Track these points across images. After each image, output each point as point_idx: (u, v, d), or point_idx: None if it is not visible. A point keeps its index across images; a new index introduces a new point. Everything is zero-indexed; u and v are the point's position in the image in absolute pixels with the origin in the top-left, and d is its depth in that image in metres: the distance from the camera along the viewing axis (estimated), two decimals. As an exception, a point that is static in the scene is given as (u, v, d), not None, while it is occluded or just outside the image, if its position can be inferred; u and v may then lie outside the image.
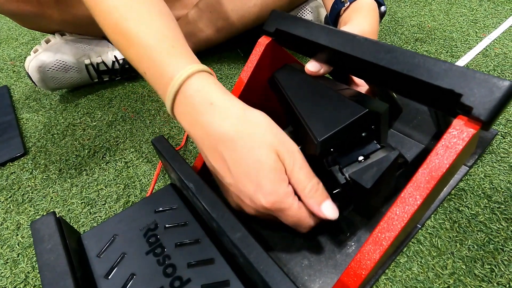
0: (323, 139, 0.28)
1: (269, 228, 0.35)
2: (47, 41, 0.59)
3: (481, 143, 0.39)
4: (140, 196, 0.42)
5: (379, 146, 0.29)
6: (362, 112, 0.27)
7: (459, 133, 0.21)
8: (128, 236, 0.29)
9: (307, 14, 0.67)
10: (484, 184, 0.39)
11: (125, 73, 0.65)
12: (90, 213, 0.41)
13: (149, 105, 0.59)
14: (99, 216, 0.40)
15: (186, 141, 0.50)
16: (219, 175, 0.30)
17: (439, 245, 0.33)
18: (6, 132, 0.55)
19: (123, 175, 0.45)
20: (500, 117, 0.48)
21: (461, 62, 0.62)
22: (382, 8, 0.42)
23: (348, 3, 0.40)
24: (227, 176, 0.29)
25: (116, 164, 0.47)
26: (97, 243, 0.29)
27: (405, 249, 0.33)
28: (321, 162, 0.30)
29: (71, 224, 0.39)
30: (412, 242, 0.34)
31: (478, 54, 0.63)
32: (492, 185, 0.39)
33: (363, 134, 0.29)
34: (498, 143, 0.44)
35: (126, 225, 0.30)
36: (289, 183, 0.28)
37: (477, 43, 0.67)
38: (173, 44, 0.31)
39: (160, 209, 0.31)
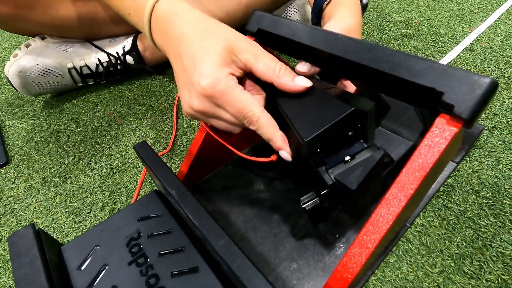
0: (309, 139, 0.27)
1: (258, 231, 0.34)
2: (27, 45, 0.57)
3: (468, 139, 0.39)
4: (126, 203, 0.41)
5: (365, 146, 0.28)
6: (348, 111, 0.27)
7: (441, 132, 0.21)
8: (110, 246, 0.28)
9: (293, 12, 0.67)
10: (472, 179, 0.39)
11: (110, 76, 0.64)
12: (74, 222, 0.40)
13: (136, 109, 0.58)
14: (84, 225, 0.39)
15: (172, 145, 0.49)
16: (177, 77, 0.31)
17: (428, 243, 0.33)
18: (-12, 140, 0.54)
19: (108, 182, 0.44)
20: (487, 111, 0.48)
21: (448, 57, 0.62)
22: (364, 0, 0.42)
23: None
24: (181, 73, 0.30)
25: (101, 170, 0.46)
26: (77, 255, 0.28)
27: (394, 249, 0.33)
28: (309, 162, 0.30)
29: (54, 235, 0.38)
30: (401, 241, 0.34)
31: (465, 48, 0.64)
32: (480, 180, 0.39)
33: (350, 133, 0.28)
34: (485, 137, 0.44)
35: (108, 234, 0.29)
36: (252, 74, 0.29)
37: (464, 37, 0.67)
38: None
39: (144, 216, 0.30)
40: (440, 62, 0.60)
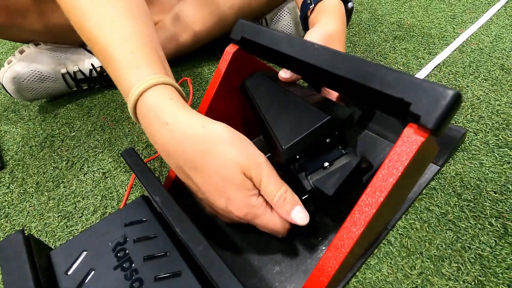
0: (287, 147, 0.28)
1: (243, 233, 0.35)
2: (21, 52, 0.58)
3: (450, 142, 0.40)
4: (117, 207, 0.42)
5: (343, 152, 0.29)
6: (324, 120, 0.28)
7: (409, 141, 0.22)
8: (97, 251, 0.29)
9: (285, 15, 0.67)
10: (454, 182, 0.39)
11: (104, 80, 0.65)
12: (66, 226, 0.41)
13: (128, 113, 0.59)
14: (76, 229, 0.40)
15: (163, 149, 0.50)
16: (191, 190, 0.30)
17: (409, 245, 0.34)
18: (-17, 145, 0.55)
19: (100, 186, 0.45)
20: (473, 113, 0.49)
21: (438, 58, 0.62)
22: (349, 4, 0.42)
23: (313, 4, 0.40)
24: (198, 192, 0.29)
25: (94, 175, 0.47)
26: (65, 260, 0.29)
27: (375, 251, 0.34)
28: (289, 168, 0.31)
29: (47, 239, 0.39)
30: (383, 244, 0.34)
31: (455, 50, 0.64)
32: (463, 183, 0.39)
33: (328, 140, 0.29)
34: (470, 140, 0.45)
35: (96, 239, 0.30)
36: (259, 194, 0.28)
37: (454, 39, 0.67)
38: (133, 50, 0.30)
39: (131, 222, 0.31)
40: (430, 63, 0.61)
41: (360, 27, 0.77)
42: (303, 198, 0.30)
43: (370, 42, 0.71)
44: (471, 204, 0.37)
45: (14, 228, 0.41)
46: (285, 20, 0.68)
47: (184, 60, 0.71)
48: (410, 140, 0.22)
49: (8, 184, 0.48)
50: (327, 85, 0.30)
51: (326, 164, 0.29)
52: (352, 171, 0.28)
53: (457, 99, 0.21)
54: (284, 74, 0.34)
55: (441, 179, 0.40)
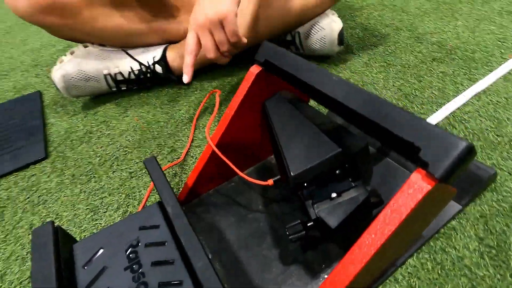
0: (295, 175, 0.29)
1: (249, 251, 0.36)
2: (72, 52, 0.64)
3: (476, 182, 0.38)
4: (137, 207, 0.45)
5: (352, 185, 0.29)
6: (335, 152, 0.28)
7: (415, 188, 0.21)
8: (112, 251, 0.32)
9: (318, 30, 0.67)
10: (478, 224, 0.37)
11: (141, 83, 0.69)
12: (92, 219, 0.45)
13: (159, 117, 0.62)
14: (99, 223, 0.44)
15: (186, 155, 0.52)
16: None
17: (416, 286, 0.33)
18: (33, 135, 0.61)
19: (126, 185, 0.49)
20: (510, 151, 0.45)
21: (479, 85, 0.58)
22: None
23: None
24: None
25: (121, 173, 0.51)
26: (84, 254, 0.32)
27: (380, 287, 0.33)
28: (297, 194, 0.31)
29: (74, 229, 0.44)
30: (389, 281, 0.33)
31: (500, 78, 0.60)
32: (487, 226, 0.37)
33: (338, 172, 0.29)
34: (502, 180, 0.42)
35: (113, 239, 0.33)
36: None
37: (501, 65, 0.63)
38: None
39: (145, 226, 0.34)
40: (468, 90, 0.58)
41: (397, 45, 0.74)
42: (308, 224, 0.30)
43: (405, 63, 0.68)
44: (493, 251, 0.35)
45: (49, 214, 0.46)
46: (318, 36, 0.68)
47: (213, 68, 0.73)
48: (416, 187, 0.21)
49: (48, 174, 0.53)
50: (342, 116, 0.30)
51: (334, 195, 0.29)
52: (358, 205, 0.27)
53: (469, 152, 0.20)
54: None
55: (463, 219, 0.38)
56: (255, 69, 0.37)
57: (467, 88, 0.59)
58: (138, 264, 0.30)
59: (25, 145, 0.59)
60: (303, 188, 0.30)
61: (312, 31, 0.68)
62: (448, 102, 0.56)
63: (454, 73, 0.63)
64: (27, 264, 0.40)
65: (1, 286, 0.39)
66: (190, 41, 0.49)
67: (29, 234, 0.44)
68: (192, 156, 0.52)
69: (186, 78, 0.51)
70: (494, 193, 0.40)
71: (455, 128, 0.51)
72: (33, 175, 0.53)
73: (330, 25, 0.67)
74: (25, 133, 0.62)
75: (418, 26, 0.81)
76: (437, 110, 0.55)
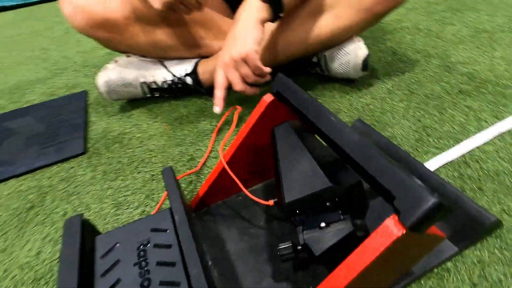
0: (288, 202, 0.32)
1: (245, 264, 0.40)
2: (116, 61, 0.72)
3: (475, 227, 0.38)
4: (154, 208, 0.50)
5: (341, 218, 0.31)
6: (325, 186, 0.30)
7: (385, 233, 0.23)
8: (126, 246, 0.37)
9: (344, 55, 0.69)
10: (474, 269, 0.37)
11: (172, 92, 0.75)
12: (115, 214, 0.50)
13: (185, 126, 0.68)
14: (120, 218, 0.50)
15: (202, 165, 0.57)
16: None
17: (399, 321, 0.34)
18: (76, 131, 0.70)
19: (147, 187, 0.54)
20: (523, 198, 0.44)
21: (505, 124, 0.56)
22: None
23: None
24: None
25: (145, 175, 0.57)
26: (103, 247, 0.37)
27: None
28: (290, 219, 0.34)
29: (99, 220, 0.50)
30: (373, 311, 0.35)
31: (529, 118, 0.57)
32: (483, 272, 0.37)
33: (328, 204, 0.31)
34: (510, 227, 0.41)
35: (128, 236, 0.38)
36: None
37: (533, 104, 0.60)
38: None
39: (156, 228, 0.38)
40: (492, 128, 0.56)
41: (425, 74, 0.74)
42: (298, 248, 0.33)
43: (430, 93, 0.68)
44: (485, 299, 0.35)
45: (80, 205, 0.53)
46: (343, 60, 0.69)
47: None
48: (387, 232, 0.23)
49: (84, 168, 0.60)
50: (336, 153, 0.32)
51: (323, 224, 0.31)
52: (342, 238, 0.30)
53: (437, 207, 0.22)
54: None
55: (459, 262, 0.38)
56: (268, 98, 0.40)
57: (491, 126, 0.57)
58: (145, 262, 0.35)
59: (69, 139, 0.67)
60: (296, 214, 0.33)
61: (337, 55, 0.70)
62: (467, 138, 0.55)
63: (480, 109, 0.61)
64: (57, 246, 0.47)
65: (36, 262, 0.45)
66: (219, 78, 0.58)
67: (62, 220, 0.51)
68: (208, 166, 0.57)
69: (217, 110, 0.59)
70: (498, 240, 0.40)
71: (469, 167, 0.50)
72: (71, 167, 0.61)
73: (355, 51, 0.68)
74: (70, 129, 0.71)
75: (450, 54, 0.80)
76: (454, 146, 0.54)
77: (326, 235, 0.30)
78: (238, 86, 0.57)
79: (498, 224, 0.40)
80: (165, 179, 0.40)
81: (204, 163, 0.57)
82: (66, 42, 1.22)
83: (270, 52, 0.68)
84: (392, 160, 0.26)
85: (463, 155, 0.52)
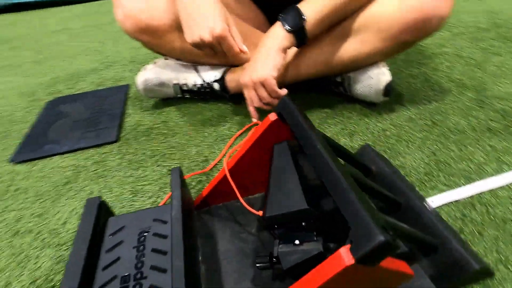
0: (268, 216, 0.35)
1: (230, 265, 0.43)
2: (154, 63, 0.80)
3: (456, 270, 0.37)
4: (161, 200, 0.56)
5: (314, 238, 0.34)
6: (301, 208, 0.33)
7: (336, 261, 0.25)
8: (130, 230, 0.43)
9: (367, 78, 0.70)
10: (450, 313, 0.37)
11: (201, 95, 0.82)
12: (131, 200, 0.57)
13: (206, 128, 0.74)
14: (134, 205, 0.56)
15: (213, 167, 0.62)
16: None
17: None
18: (113, 121, 0.79)
19: (162, 180, 0.61)
20: (525, 251, 0.42)
21: (526, 171, 0.53)
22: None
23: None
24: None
25: (162, 169, 0.63)
26: (113, 227, 0.43)
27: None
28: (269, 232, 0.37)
29: (116, 203, 0.57)
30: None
31: (558, 167, 0.54)
32: (459, 319, 0.37)
33: (303, 224, 0.34)
34: (502, 278, 0.40)
35: (135, 222, 0.44)
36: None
37: None
38: None
39: (158, 219, 0.44)
40: (511, 173, 0.53)
41: (453, 105, 0.71)
42: (274, 259, 0.36)
43: (454, 126, 0.65)
44: None
45: (105, 187, 0.61)
46: (366, 83, 0.70)
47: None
48: (338, 260, 0.25)
49: (114, 155, 0.69)
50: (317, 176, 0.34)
51: (297, 241, 0.34)
52: (309, 258, 0.32)
53: (384, 246, 0.23)
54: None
55: (437, 304, 0.38)
56: (272, 116, 0.44)
57: (511, 170, 0.54)
58: (143, 246, 0.40)
59: (106, 127, 0.77)
60: (274, 228, 0.36)
61: (361, 77, 0.71)
62: (481, 179, 0.53)
63: (504, 150, 0.59)
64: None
65: (62, 230, 0.54)
66: (247, 97, 0.66)
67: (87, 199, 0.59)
68: (218, 169, 0.61)
69: (254, 120, 0.69)
70: (486, 289, 0.39)
71: (475, 209, 0.49)
72: (104, 153, 0.69)
73: (378, 76, 0.68)
74: (109, 117, 0.80)
75: (487, 88, 0.76)
76: (464, 185, 0.53)
77: (297, 252, 0.33)
78: (255, 103, 0.65)
79: (487, 273, 0.39)
80: (172, 178, 0.45)
81: (214, 166, 0.62)
82: (121, 38, 1.35)
83: (293, 68, 0.71)
84: (362, 193, 0.28)
85: (471, 196, 0.51)
